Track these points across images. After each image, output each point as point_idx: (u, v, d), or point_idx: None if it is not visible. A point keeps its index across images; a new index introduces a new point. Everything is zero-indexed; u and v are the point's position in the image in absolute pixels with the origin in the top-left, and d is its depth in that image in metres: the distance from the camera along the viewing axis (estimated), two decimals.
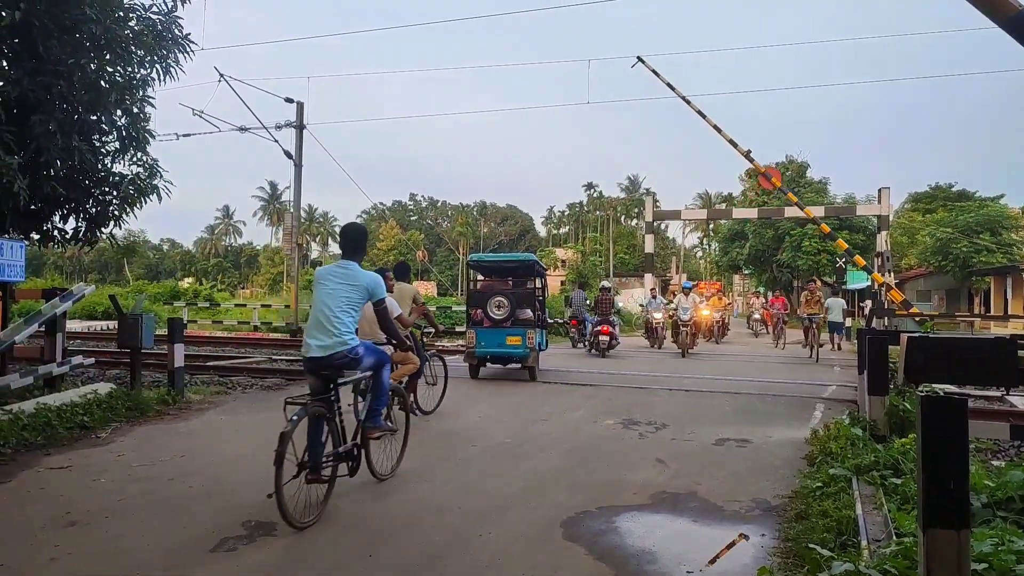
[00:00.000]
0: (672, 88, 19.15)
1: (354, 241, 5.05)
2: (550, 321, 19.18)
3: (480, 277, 12.85)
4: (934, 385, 8.21)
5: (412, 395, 7.65)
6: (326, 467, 4.62)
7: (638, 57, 19.68)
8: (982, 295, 35.95)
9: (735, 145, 18.69)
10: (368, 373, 5.04)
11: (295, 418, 4.32)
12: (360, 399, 5.17)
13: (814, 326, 16.88)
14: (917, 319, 16.55)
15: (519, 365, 11.46)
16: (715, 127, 18.80)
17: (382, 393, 5.12)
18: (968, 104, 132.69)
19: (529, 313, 11.35)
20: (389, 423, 5.36)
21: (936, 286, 39.77)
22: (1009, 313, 28.30)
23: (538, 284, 12.34)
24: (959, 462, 2.57)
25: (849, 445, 5.81)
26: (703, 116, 18.91)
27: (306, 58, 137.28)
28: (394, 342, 5.37)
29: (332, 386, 4.76)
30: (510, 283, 12.30)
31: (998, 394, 9.58)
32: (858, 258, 19.98)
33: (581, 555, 3.93)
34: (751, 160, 18.93)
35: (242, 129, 23.03)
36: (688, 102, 19.05)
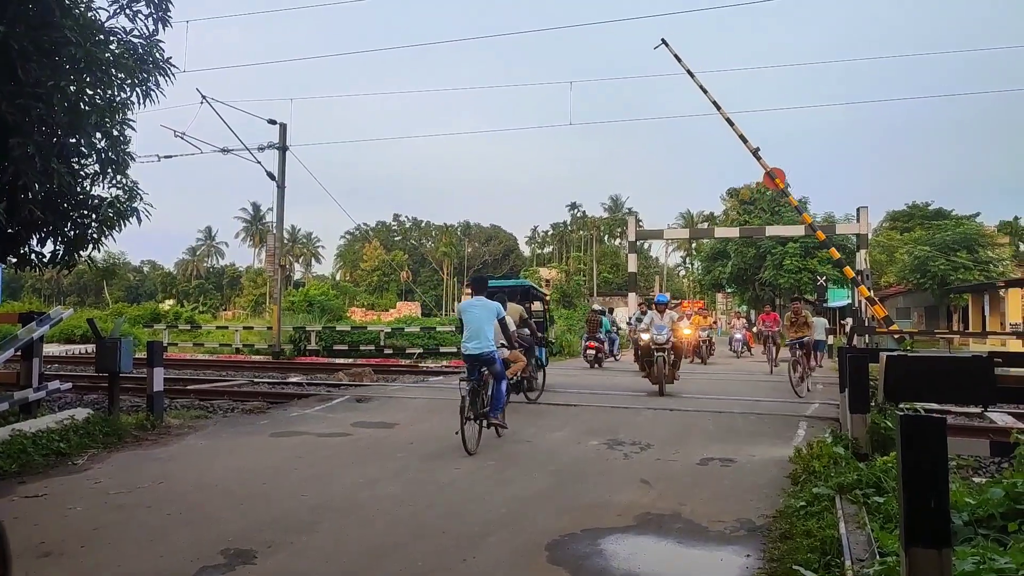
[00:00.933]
0: (691, 75, 19.35)
1: (481, 284, 8.24)
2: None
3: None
4: (915, 403, 8.27)
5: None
6: (480, 417, 7.40)
7: (662, 40, 19.87)
8: (960, 312, 36.47)
9: (745, 141, 18.99)
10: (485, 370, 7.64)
11: (465, 387, 7.18)
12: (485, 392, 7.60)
13: (800, 353, 13.58)
14: (896, 336, 16.70)
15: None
16: (728, 120, 19.11)
17: (499, 397, 7.78)
18: (943, 124, 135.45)
19: (526, 332, 11.16)
20: (503, 423, 7.95)
21: (915, 303, 40.29)
22: (987, 330, 28.69)
23: (536, 307, 13.68)
24: (939, 481, 2.58)
25: (832, 463, 5.83)
26: (718, 108, 19.20)
27: (289, 80, 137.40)
28: (510, 345, 8.63)
29: (479, 372, 7.52)
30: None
31: (978, 411, 9.68)
32: (833, 251, 20.19)
33: None
34: (758, 158, 19.15)
35: (224, 151, 23.00)
36: (705, 91, 19.29)
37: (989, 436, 7.26)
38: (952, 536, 3.24)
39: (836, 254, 20.05)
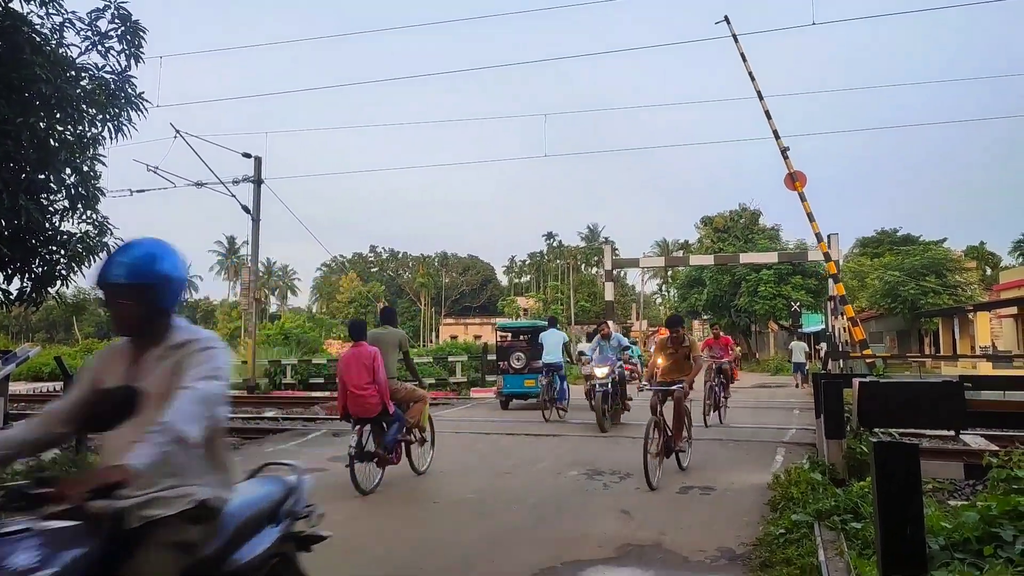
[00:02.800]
0: (744, 59, 19.63)
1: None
2: None
3: (506, 337, 16.81)
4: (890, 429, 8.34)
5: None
6: None
7: (724, 16, 20.10)
8: (931, 336, 37.09)
9: (777, 137, 19.32)
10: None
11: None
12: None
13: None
14: (868, 361, 16.89)
15: (535, 399, 13.92)
16: (766, 112, 19.48)
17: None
18: (909, 152, 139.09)
19: (539, 363, 13.36)
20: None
21: (887, 328, 40.93)
22: (958, 353, 29.17)
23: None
24: (914, 507, 2.60)
25: (810, 489, 5.84)
26: (760, 97, 19.52)
27: (264, 113, 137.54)
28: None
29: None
30: (526, 343, 15.49)
31: (951, 434, 9.78)
32: (822, 245, 20.44)
33: None
34: (785, 157, 19.46)
35: (199, 184, 22.79)
36: (753, 79, 19.59)
37: (963, 459, 7.32)
38: (928, 561, 3.25)
39: (833, 268, 20.40)
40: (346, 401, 6.95)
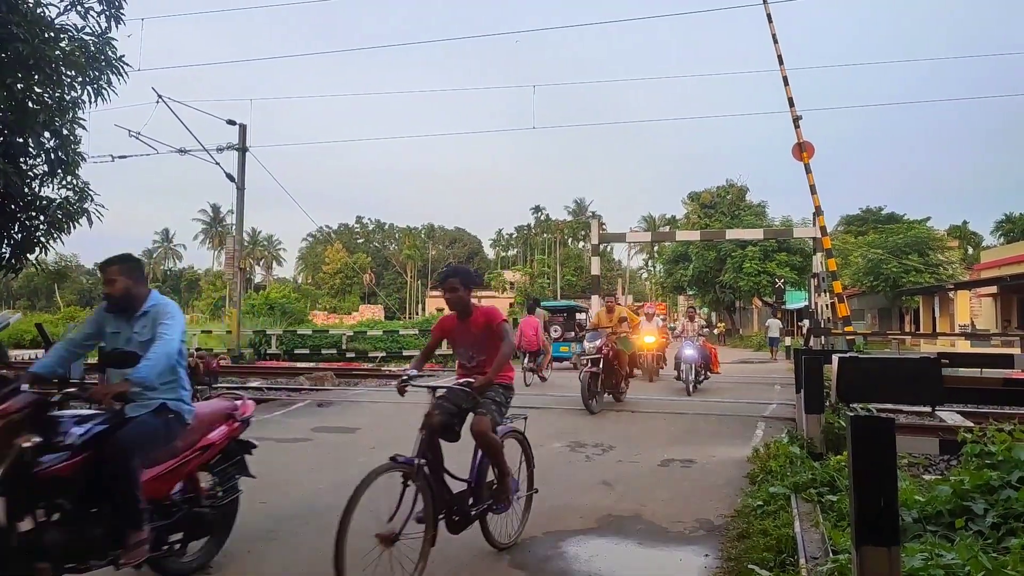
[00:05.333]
0: (769, 20, 19.50)
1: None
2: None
3: (548, 314, 19.78)
4: (867, 403, 8.46)
5: None
6: None
7: None
8: (912, 314, 37.54)
9: (792, 104, 19.34)
10: None
11: None
12: None
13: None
14: (849, 338, 17.07)
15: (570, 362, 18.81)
16: (784, 78, 19.50)
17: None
18: (894, 131, 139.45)
19: (572, 334, 20.15)
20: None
21: (869, 305, 41.37)
22: (937, 331, 29.58)
23: (578, 317, 23.10)
24: (888, 480, 2.65)
25: (788, 463, 5.94)
26: (781, 62, 19.53)
27: (249, 80, 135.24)
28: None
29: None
30: (562, 317, 22.16)
31: (928, 410, 9.94)
32: (820, 219, 20.56)
33: None
34: (797, 126, 19.44)
35: (182, 151, 22.48)
36: (776, 41, 19.49)
37: (939, 435, 7.46)
38: (902, 533, 3.32)
39: (828, 243, 20.48)
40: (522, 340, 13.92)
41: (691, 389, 12.62)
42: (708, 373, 14.00)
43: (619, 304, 12.22)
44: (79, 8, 8.14)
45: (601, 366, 10.48)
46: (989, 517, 4.04)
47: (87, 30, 8.17)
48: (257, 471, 4.33)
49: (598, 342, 10.72)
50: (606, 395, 10.87)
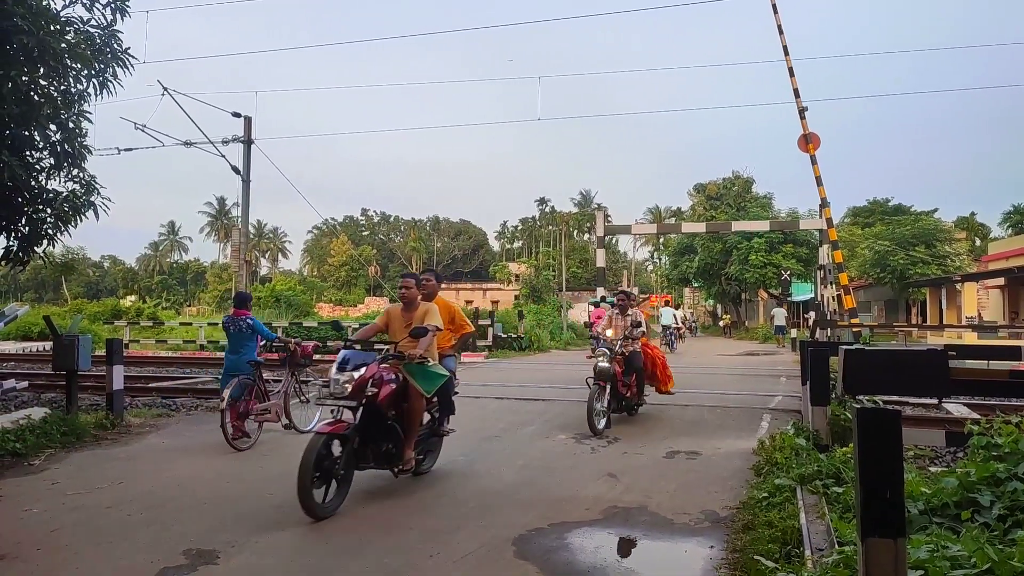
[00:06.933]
0: (775, 10, 19.37)
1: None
2: (503, 336, 23.98)
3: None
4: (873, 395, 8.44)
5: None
6: None
7: None
8: (919, 306, 37.37)
9: (797, 96, 19.25)
10: None
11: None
12: None
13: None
14: (855, 330, 17.01)
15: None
16: (790, 69, 19.41)
17: None
18: (903, 122, 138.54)
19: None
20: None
21: (876, 297, 41.20)
22: (944, 323, 29.43)
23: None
24: (894, 472, 2.64)
25: (794, 455, 5.94)
26: (786, 52, 19.39)
27: (254, 72, 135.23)
28: None
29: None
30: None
31: (934, 402, 9.92)
32: (827, 211, 20.49)
33: (533, 573, 3.92)
34: (803, 117, 19.37)
35: (188, 144, 22.43)
36: (781, 32, 19.35)
37: (945, 426, 7.45)
38: (907, 525, 3.31)
39: (834, 235, 20.38)
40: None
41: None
42: (640, 399, 9.37)
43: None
44: (85, 1, 8.13)
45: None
46: (995, 509, 4.03)
47: (92, 22, 8.15)
48: (262, 463, 4.38)
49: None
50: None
